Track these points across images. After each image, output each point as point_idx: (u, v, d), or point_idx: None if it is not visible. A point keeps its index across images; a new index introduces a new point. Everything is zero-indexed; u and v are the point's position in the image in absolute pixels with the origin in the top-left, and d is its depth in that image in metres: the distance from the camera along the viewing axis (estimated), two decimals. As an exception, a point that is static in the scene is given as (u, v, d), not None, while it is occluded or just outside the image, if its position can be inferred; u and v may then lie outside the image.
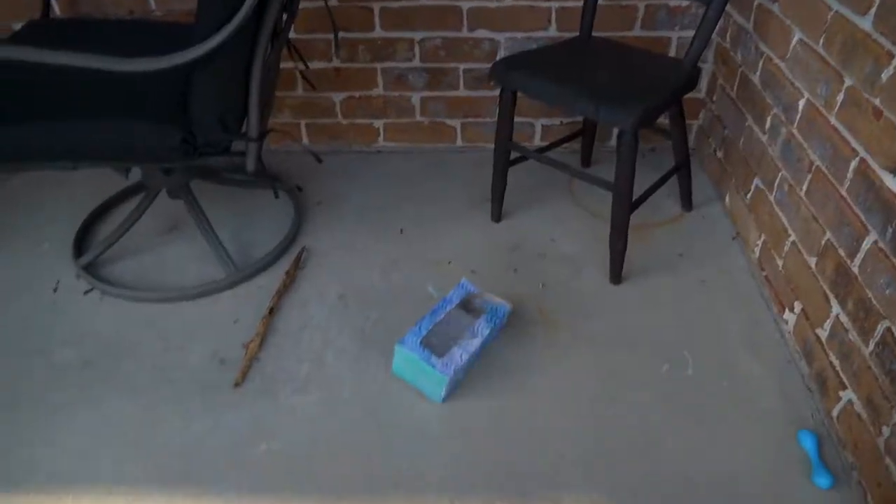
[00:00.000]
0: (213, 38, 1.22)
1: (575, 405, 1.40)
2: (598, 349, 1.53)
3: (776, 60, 1.57)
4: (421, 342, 1.40)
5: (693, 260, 1.79)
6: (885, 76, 1.14)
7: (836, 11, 1.30)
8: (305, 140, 2.26)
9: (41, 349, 1.54)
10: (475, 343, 1.42)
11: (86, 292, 1.71)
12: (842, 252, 1.29)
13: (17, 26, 1.92)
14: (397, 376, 1.46)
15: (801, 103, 1.45)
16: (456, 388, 1.43)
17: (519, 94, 1.79)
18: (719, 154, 1.97)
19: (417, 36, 2.03)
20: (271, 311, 1.60)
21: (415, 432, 1.35)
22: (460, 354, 1.39)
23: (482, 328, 1.45)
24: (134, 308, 1.66)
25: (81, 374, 1.48)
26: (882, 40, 1.15)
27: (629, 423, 1.36)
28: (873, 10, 1.17)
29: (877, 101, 1.17)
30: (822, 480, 1.22)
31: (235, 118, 1.41)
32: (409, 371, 1.42)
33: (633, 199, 1.64)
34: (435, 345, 1.42)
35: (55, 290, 1.72)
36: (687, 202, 1.94)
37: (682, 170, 1.84)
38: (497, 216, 1.92)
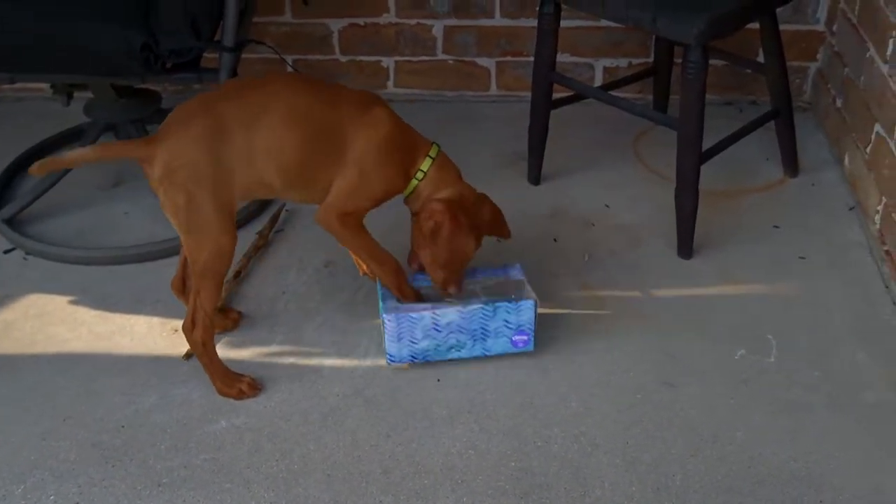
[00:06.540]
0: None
1: (617, 391, 1.66)
2: (653, 330, 1.79)
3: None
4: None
5: (792, 232, 2.04)
6: None
7: None
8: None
9: (-48, 313, 1.88)
10: (453, 309, 1.67)
11: (6, 251, 2.06)
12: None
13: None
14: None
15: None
16: (430, 355, 1.69)
17: (565, 15, 2.08)
18: (838, 102, 2.24)
19: (441, -55, 2.38)
20: (237, 275, 1.91)
21: (413, 413, 1.62)
22: (424, 308, 1.66)
23: (479, 300, 1.69)
24: (67, 270, 1.99)
25: None
26: None
27: (687, 413, 1.61)
28: None
29: None
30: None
31: (209, 22, 1.76)
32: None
33: (708, 147, 1.91)
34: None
35: (-32, 249, 2.07)
36: (791, 164, 2.21)
37: (780, 117, 2.10)
38: (535, 177, 2.21)
